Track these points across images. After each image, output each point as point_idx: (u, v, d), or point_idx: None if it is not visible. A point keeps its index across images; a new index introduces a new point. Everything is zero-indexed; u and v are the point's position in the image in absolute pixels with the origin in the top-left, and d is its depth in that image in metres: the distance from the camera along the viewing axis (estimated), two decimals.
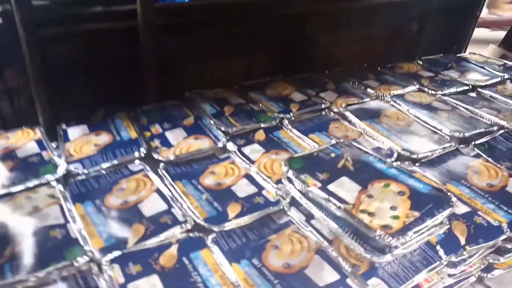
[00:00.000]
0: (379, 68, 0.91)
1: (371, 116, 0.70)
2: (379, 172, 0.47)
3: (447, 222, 0.43)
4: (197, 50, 0.75)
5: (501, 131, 0.67)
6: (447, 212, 0.42)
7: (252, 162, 0.57)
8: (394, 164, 0.56)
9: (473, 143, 0.64)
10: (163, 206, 0.48)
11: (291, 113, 0.69)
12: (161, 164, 0.55)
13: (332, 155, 0.51)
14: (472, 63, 0.96)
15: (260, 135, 0.63)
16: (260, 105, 0.72)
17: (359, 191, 0.44)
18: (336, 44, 0.91)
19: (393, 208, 0.42)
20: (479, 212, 0.50)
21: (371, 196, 0.43)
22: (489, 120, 0.70)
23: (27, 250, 0.40)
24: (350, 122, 0.69)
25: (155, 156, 0.56)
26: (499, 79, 0.88)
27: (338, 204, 0.43)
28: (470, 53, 1.05)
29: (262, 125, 0.66)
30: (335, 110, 0.72)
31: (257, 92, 0.76)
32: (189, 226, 0.45)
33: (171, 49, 0.71)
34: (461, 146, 0.63)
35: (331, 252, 0.43)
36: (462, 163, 0.59)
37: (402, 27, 0.99)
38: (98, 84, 0.66)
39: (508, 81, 0.88)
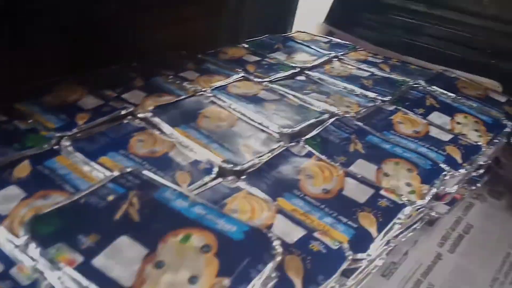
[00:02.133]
0: (199, 56, 0.77)
1: (187, 119, 0.55)
2: (177, 217, 0.32)
3: (274, 274, 0.31)
4: None
5: (332, 119, 0.59)
6: (268, 268, 0.29)
7: (1, 219, 0.37)
8: (212, 183, 0.42)
9: (303, 138, 0.54)
10: None
11: (75, 128, 0.50)
12: None
13: (110, 198, 0.34)
14: (299, 43, 0.88)
15: (23, 169, 0.43)
16: (30, 121, 0.51)
17: (143, 260, 0.29)
18: (146, 27, 0.74)
19: (191, 281, 0.28)
20: (315, 234, 0.40)
21: (162, 265, 0.28)
22: (319, 107, 0.62)
23: None
24: (160, 130, 0.53)
25: None
26: (326, 58, 0.82)
27: None
28: (297, 31, 0.98)
29: (28, 153, 0.45)
30: (141, 115, 0.55)
31: (29, 102, 0.55)
32: None
33: None
34: (291, 144, 0.53)
35: None
36: (293, 167, 0.49)
37: (221, 4, 0.86)
38: None
39: (335, 59, 0.82)
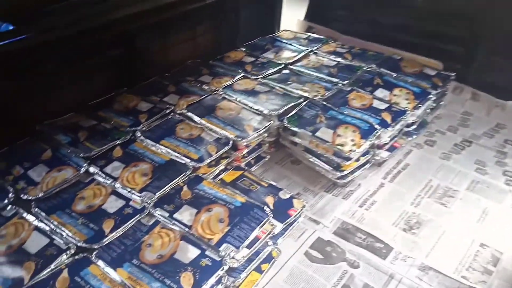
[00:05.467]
0: (210, 62, 1.05)
1: (209, 111, 0.84)
2: None
3: None
4: (35, 85, 0.78)
5: (306, 102, 0.87)
6: None
7: (115, 179, 0.67)
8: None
9: (286, 117, 0.82)
10: (45, 241, 0.56)
11: (141, 125, 0.79)
12: (33, 203, 0.61)
13: None
14: (284, 42, 1.15)
15: (118, 151, 0.73)
16: (111, 122, 0.80)
17: None
18: (168, 47, 1.02)
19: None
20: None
21: None
22: (297, 94, 0.90)
23: None
24: (193, 121, 0.82)
25: (24, 197, 0.62)
26: (304, 53, 1.08)
27: None
28: (282, 30, 1.25)
29: (118, 142, 0.75)
30: (179, 112, 0.84)
31: (105, 110, 0.84)
32: (73, 251, 0.54)
33: (6, 91, 0.74)
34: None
35: (191, 235, 0.57)
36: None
37: (222, 19, 1.14)
38: None
39: (311, 53, 1.09)
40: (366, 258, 0.68)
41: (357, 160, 0.79)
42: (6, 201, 0.61)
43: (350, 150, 0.75)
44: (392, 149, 0.87)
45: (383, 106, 0.87)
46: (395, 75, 0.97)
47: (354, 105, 0.87)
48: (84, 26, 0.78)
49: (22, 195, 0.63)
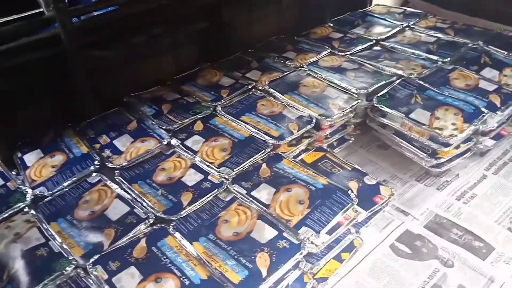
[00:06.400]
0: (295, 37, 1.00)
1: (292, 88, 0.79)
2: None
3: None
4: (125, 56, 0.80)
5: (399, 80, 0.79)
6: None
7: (195, 152, 0.66)
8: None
9: (375, 96, 0.75)
10: (126, 209, 0.56)
11: (222, 100, 0.78)
12: (116, 172, 0.63)
13: None
14: (376, 16, 1.06)
15: (199, 125, 0.72)
16: (194, 96, 0.80)
17: None
18: (253, 22, 0.99)
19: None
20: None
21: None
22: (389, 71, 0.82)
23: (21, 272, 0.48)
24: (274, 97, 0.78)
25: (109, 165, 0.64)
26: (399, 28, 0.99)
27: None
28: (375, 5, 1.16)
29: (199, 116, 0.74)
30: (260, 88, 0.81)
31: (189, 84, 0.84)
32: (151, 221, 0.54)
33: (100, 61, 0.76)
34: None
35: (269, 215, 0.54)
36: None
37: None
38: (41, 108, 0.72)
39: (407, 28, 1.00)
40: (462, 257, 0.60)
41: (457, 147, 0.70)
42: (92, 168, 0.63)
43: (450, 135, 0.66)
44: (498, 137, 0.76)
45: (491, 87, 0.76)
46: (506, 53, 0.84)
47: (457, 85, 0.77)
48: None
49: (107, 163, 0.64)
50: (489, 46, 0.87)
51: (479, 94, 0.74)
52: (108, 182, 0.61)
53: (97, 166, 0.64)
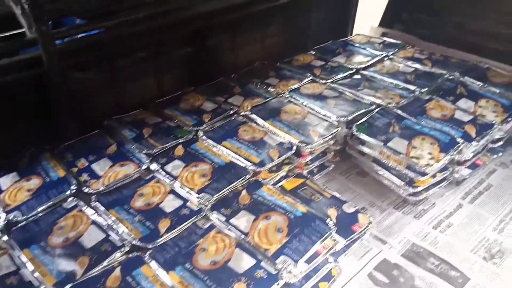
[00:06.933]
0: (278, 64, 1.02)
1: (273, 114, 0.80)
2: None
3: None
4: (108, 78, 0.80)
5: (378, 109, 0.81)
6: None
7: (175, 178, 0.66)
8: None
9: (355, 124, 0.77)
10: (101, 236, 0.55)
11: (204, 125, 0.78)
12: (93, 197, 0.62)
13: None
14: (356, 46, 1.09)
15: (179, 150, 0.72)
16: (176, 120, 0.80)
17: None
18: (237, 48, 1.01)
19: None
20: None
21: None
22: (369, 100, 0.84)
23: None
24: (256, 123, 0.79)
25: (86, 190, 0.63)
26: (378, 58, 1.02)
27: None
28: (355, 34, 1.19)
29: (180, 140, 0.74)
30: (243, 113, 0.82)
31: (171, 108, 0.84)
32: (127, 249, 0.53)
33: (82, 83, 0.76)
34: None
35: (247, 243, 0.54)
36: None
37: (293, 21, 1.10)
38: (18, 130, 0.71)
39: (386, 58, 1.02)
40: (439, 287, 0.61)
41: (434, 176, 0.71)
42: (68, 192, 0.62)
43: (427, 164, 0.68)
44: (473, 166, 0.78)
45: (466, 117, 0.78)
46: (481, 84, 0.87)
47: (433, 115, 0.79)
48: (155, 23, 0.79)
49: (84, 188, 0.63)
50: (465, 77, 0.90)
51: (455, 124, 0.76)
52: (84, 208, 0.60)
53: (73, 191, 0.62)
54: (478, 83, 0.88)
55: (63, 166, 0.67)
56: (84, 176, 0.66)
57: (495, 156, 0.81)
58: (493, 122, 0.77)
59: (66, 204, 0.60)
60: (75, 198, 0.61)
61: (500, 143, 0.80)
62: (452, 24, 1.14)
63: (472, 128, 0.75)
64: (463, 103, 0.83)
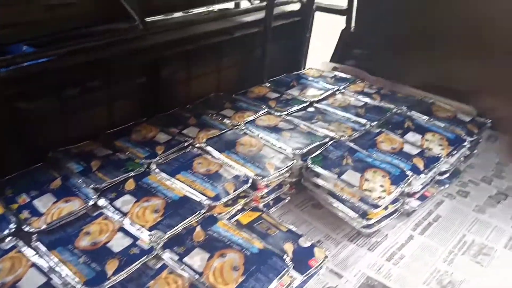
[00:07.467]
0: (233, 95, 1.02)
1: (229, 146, 0.79)
2: None
3: None
4: (55, 108, 0.76)
5: (331, 142, 0.82)
6: None
7: (124, 214, 0.62)
8: None
9: (310, 157, 0.77)
10: (42, 280, 0.51)
11: (157, 157, 0.76)
12: (34, 236, 0.57)
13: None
14: (309, 79, 1.12)
15: (130, 184, 0.69)
16: (127, 153, 0.77)
17: None
18: (192, 79, 1.00)
19: None
20: None
21: None
22: (322, 133, 0.85)
23: None
24: (211, 155, 0.77)
25: (26, 228, 0.58)
26: (330, 91, 1.05)
27: None
28: (308, 68, 1.22)
29: (131, 174, 0.71)
30: (198, 145, 0.80)
31: (122, 140, 0.81)
32: None
33: (27, 113, 0.72)
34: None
35: (201, 284, 0.52)
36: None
37: (248, 54, 1.12)
38: None
39: (337, 92, 1.06)
40: None
41: (386, 208, 0.72)
42: (6, 231, 0.57)
43: (379, 196, 0.69)
44: (422, 198, 0.81)
45: (415, 151, 0.81)
46: (427, 119, 0.92)
47: (383, 148, 0.82)
48: (106, 53, 0.77)
49: (24, 227, 0.58)
50: (412, 112, 0.94)
51: (404, 157, 0.79)
52: (24, 249, 0.55)
53: (12, 230, 0.58)
54: (424, 117, 0.92)
55: (2, 202, 0.62)
56: (25, 213, 0.61)
57: (442, 187, 0.85)
58: (440, 155, 0.80)
59: (4, 244, 0.55)
60: (14, 238, 0.57)
61: (447, 175, 0.83)
62: (400, 60, 1.20)
63: (420, 161, 0.78)
64: (411, 136, 0.86)
